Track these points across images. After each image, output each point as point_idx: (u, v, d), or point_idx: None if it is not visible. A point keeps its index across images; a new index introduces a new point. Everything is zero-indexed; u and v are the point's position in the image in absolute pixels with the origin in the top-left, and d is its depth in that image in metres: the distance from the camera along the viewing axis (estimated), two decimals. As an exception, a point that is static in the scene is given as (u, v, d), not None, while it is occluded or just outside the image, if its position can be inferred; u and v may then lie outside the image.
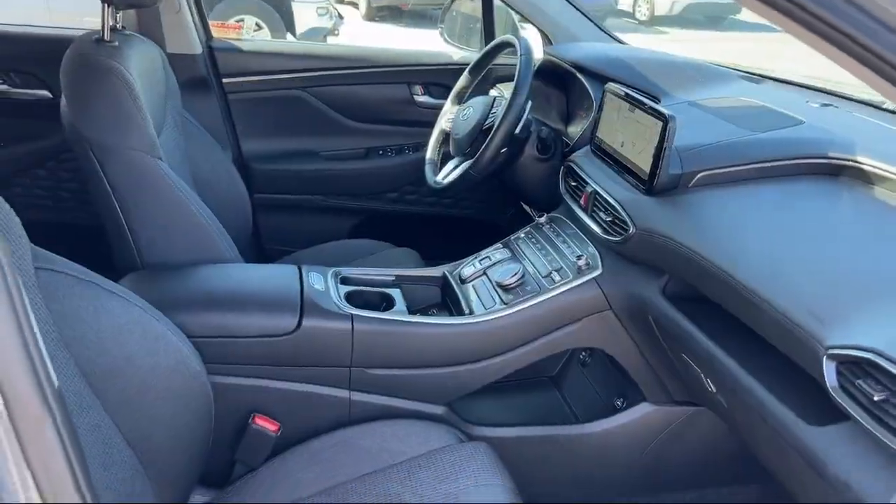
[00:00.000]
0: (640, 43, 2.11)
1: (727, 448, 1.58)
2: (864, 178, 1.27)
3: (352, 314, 1.45)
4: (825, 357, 0.93)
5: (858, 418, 0.88)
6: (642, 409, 1.55)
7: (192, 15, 2.18)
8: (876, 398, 0.86)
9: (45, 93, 2.24)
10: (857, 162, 1.28)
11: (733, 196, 1.32)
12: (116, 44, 1.56)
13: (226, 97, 2.28)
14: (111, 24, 1.57)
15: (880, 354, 0.86)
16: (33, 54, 2.24)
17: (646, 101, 1.43)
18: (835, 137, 1.36)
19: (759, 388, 1.10)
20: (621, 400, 1.60)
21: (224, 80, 2.27)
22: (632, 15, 13.00)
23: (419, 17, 11.19)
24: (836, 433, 0.97)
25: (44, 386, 0.58)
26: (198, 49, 2.20)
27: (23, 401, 0.57)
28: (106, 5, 1.55)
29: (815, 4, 0.65)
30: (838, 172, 1.31)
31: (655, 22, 12.58)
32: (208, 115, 2.17)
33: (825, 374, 0.93)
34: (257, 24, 7.16)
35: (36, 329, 0.59)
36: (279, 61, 2.35)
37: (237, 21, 6.95)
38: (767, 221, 1.23)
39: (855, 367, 0.90)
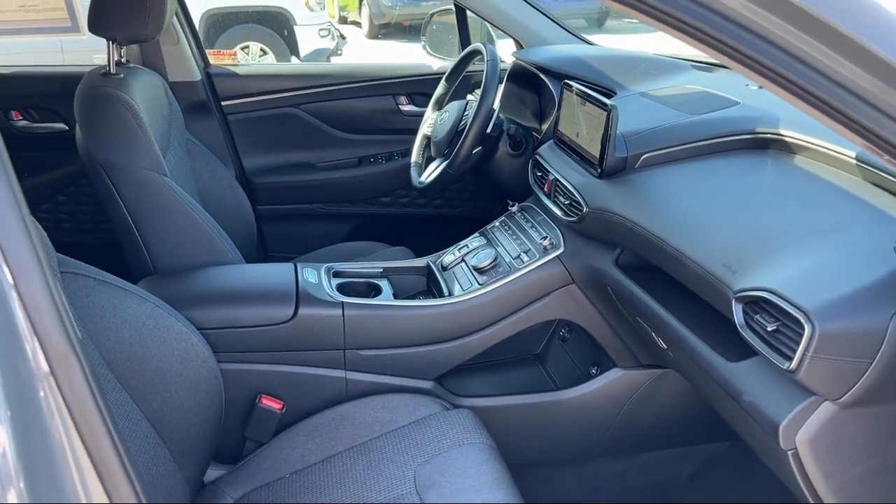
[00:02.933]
0: (642, 42, 2.23)
1: (694, 407, 1.72)
2: (789, 149, 1.42)
3: (342, 302, 1.62)
4: (734, 300, 1.08)
5: (758, 348, 1.03)
6: (613, 374, 1.70)
7: (189, 45, 2.38)
8: (769, 328, 1.01)
9: (62, 125, 2.45)
10: (781, 135, 1.43)
11: (672, 173, 1.47)
12: (122, 76, 1.74)
13: (225, 118, 2.47)
14: (115, 58, 1.76)
15: (773, 292, 1.02)
16: (49, 91, 2.45)
17: (593, 93, 1.59)
18: (763, 114, 1.50)
19: (691, 336, 1.25)
20: (596, 368, 1.75)
21: (223, 103, 2.46)
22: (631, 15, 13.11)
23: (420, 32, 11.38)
24: (747, 366, 1.13)
25: (77, 349, 0.74)
26: (197, 76, 2.39)
27: (67, 369, 0.72)
28: (110, 42, 1.75)
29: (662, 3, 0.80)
30: (767, 146, 1.46)
31: (655, 19, 12.66)
32: (210, 135, 2.36)
33: (734, 315, 1.08)
34: (262, 50, 7.39)
35: (74, 322, 0.75)
36: (272, 82, 2.54)
37: (242, 48, 7.18)
38: (697, 193, 1.39)
39: (755, 306, 1.05)
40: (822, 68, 0.80)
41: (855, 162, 1.24)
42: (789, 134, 1.41)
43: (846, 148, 1.26)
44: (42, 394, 0.69)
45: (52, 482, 0.69)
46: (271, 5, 7.50)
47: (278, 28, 7.57)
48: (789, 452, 1.04)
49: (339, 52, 8.23)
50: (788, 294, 0.99)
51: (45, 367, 0.69)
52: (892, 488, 1.05)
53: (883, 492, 1.06)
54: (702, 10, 0.82)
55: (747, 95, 1.66)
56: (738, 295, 1.08)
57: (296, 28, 7.74)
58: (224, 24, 7.20)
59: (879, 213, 1.12)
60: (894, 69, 0.79)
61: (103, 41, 1.75)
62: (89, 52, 3.33)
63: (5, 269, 0.68)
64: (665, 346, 1.44)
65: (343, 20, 12.50)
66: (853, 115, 0.83)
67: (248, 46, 7.29)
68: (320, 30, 7.97)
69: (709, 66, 2.06)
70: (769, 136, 1.45)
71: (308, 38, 7.75)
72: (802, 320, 0.95)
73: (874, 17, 0.80)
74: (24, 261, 0.69)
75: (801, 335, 0.96)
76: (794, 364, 0.97)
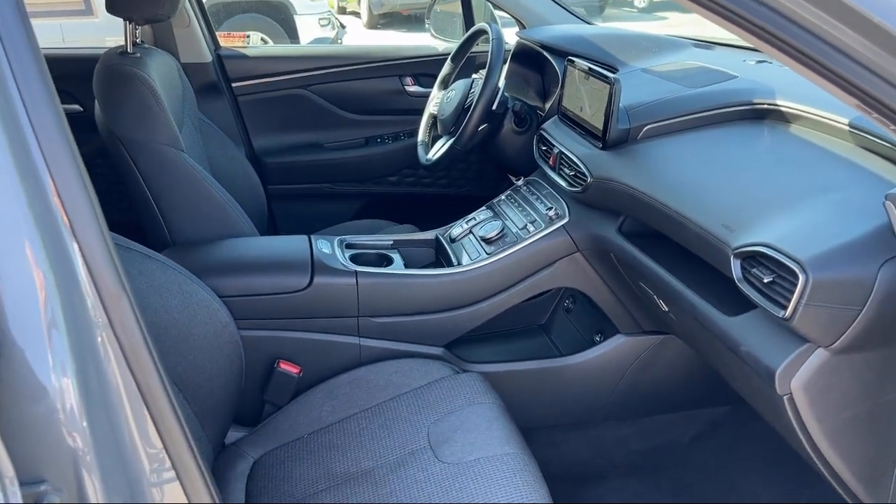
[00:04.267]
0: (641, 29, 2.28)
1: (694, 372, 1.79)
2: (785, 118, 1.48)
3: (356, 271, 1.68)
4: (732, 256, 1.15)
5: (756, 300, 1.10)
6: (616, 341, 1.77)
7: (200, 27, 2.44)
8: (766, 280, 1.07)
9: (77, 107, 2.50)
10: (777, 105, 1.49)
11: (673, 143, 1.53)
12: (139, 55, 1.80)
13: (236, 99, 2.53)
14: (132, 39, 1.82)
15: (769, 246, 1.08)
16: (65, 73, 2.50)
17: (596, 68, 1.64)
18: (760, 87, 1.56)
19: (692, 294, 1.32)
20: (599, 335, 1.82)
21: (233, 84, 2.52)
22: (631, 3, 13.16)
23: (421, 22, 11.42)
24: (745, 319, 1.19)
25: (128, 291, 0.80)
26: (208, 58, 2.45)
27: (120, 310, 0.78)
28: (127, 23, 1.80)
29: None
30: (764, 116, 1.52)
31: (654, 8, 12.73)
32: (221, 116, 2.42)
33: (733, 270, 1.14)
34: (262, 40, 7.43)
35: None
36: (281, 64, 2.60)
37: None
38: (697, 160, 1.45)
39: (752, 261, 1.12)
40: (826, 36, 0.86)
41: (848, 129, 1.30)
42: (785, 104, 1.47)
43: (840, 115, 1.32)
44: (99, 340, 0.75)
45: (108, 421, 0.76)
46: (271, -6, 7.54)
47: (279, 17, 7.61)
48: (785, 398, 1.11)
49: (340, 41, 8.27)
50: (783, 247, 1.05)
51: (102, 317, 0.75)
52: (880, 431, 1.11)
53: (872, 435, 1.12)
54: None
55: (745, 70, 1.72)
56: (736, 251, 1.14)
57: (296, 17, 7.78)
58: (225, 14, 7.24)
59: (870, 174, 1.18)
60: (889, 35, 0.85)
61: (103, 26, 1.81)
62: (91, 37, 3.38)
63: (64, 219, 0.74)
64: (666, 309, 1.50)
65: (342, 10, 12.52)
66: (851, 77, 0.89)
67: (248, 36, 7.33)
68: (320, 19, 8.00)
69: (708, 45, 2.12)
70: (766, 106, 1.51)
71: (308, 28, 7.79)
72: (797, 270, 1.02)
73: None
74: (80, 205, 0.75)
75: (795, 285, 1.02)
76: (789, 312, 1.03)
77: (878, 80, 0.88)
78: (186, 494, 0.84)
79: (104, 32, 2.79)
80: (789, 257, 1.03)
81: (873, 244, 1.02)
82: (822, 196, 1.16)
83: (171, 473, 0.84)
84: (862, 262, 1.01)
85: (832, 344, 1.05)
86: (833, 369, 1.08)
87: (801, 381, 1.09)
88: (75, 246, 0.74)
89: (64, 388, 0.71)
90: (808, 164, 1.29)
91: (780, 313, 1.04)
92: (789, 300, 1.03)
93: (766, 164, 1.35)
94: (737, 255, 1.14)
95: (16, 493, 0.65)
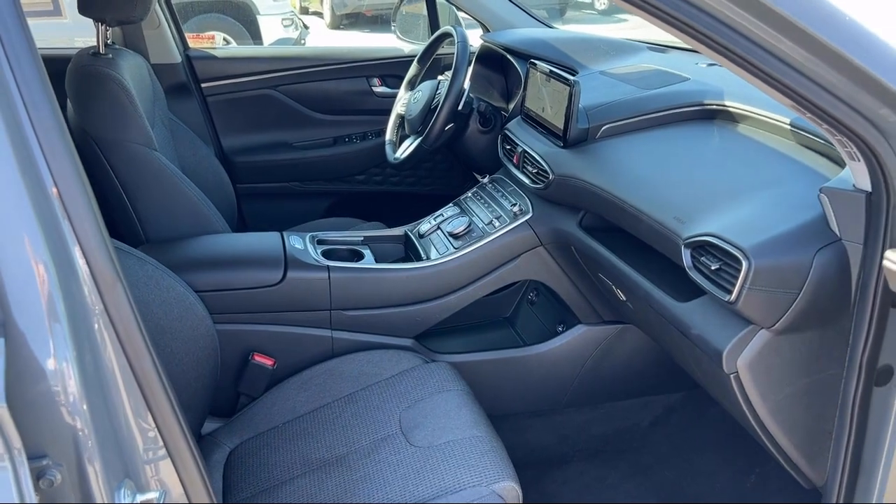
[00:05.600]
0: (600, 32, 2.37)
1: (651, 360, 1.88)
2: (733, 118, 1.58)
3: (328, 265, 1.74)
4: (682, 246, 1.24)
5: (704, 286, 1.19)
6: (578, 330, 1.86)
7: (170, 29, 2.46)
8: (713, 267, 1.16)
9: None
10: (726, 106, 1.59)
11: (630, 142, 1.62)
12: (111, 56, 1.83)
13: (205, 99, 2.57)
14: (104, 40, 1.85)
15: (716, 236, 1.17)
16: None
17: (557, 71, 1.73)
18: (711, 88, 1.66)
19: (647, 283, 1.41)
20: (562, 326, 1.90)
21: (203, 85, 2.55)
22: (591, 6, 13.35)
23: (384, 23, 11.44)
24: (695, 305, 1.29)
25: (121, 278, 0.85)
26: (177, 59, 2.48)
27: (114, 295, 0.83)
28: (100, 24, 1.83)
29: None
30: (713, 116, 1.62)
31: (614, 11, 12.93)
32: (191, 115, 2.45)
33: (684, 259, 1.23)
34: (225, 40, 7.39)
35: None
36: (250, 65, 2.64)
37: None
38: (653, 158, 1.54)
39: (701, 250, 1.21)
40: (766, 45, 0.95)
41: (789, 127, 1.40)
42: (733, 105, 1.57)
43: (782, 115, 1.42)
44: (96, 326, 0.80)
45: (105, 402, 0.81)
46: (234, -6, 7.50)
47: (241, 18, 7.59)
48: (731, 376, 1.20)
49: (303, 41, 8.27)
50: (729, 236, 1.14)
51: (98, 305, 0.81)
52: (817, 406, 1.21)
53: (810, 409, 1.22)
54: (688, 6, 0.96)
55: (696, 72, 1.82)
56: (686, 241, 1.23)
57: (259, 18, 7.75)
58: (186, 14, 7.19)
59: (808, 169, 1.28)
60: (821, 44, 0.95)
61: (71, 27, 1.84)
62: (59, 37, 3.36)
63: (62, 212, 0.79)
64: (624, 298, 1.59)
65: (304, 10, 12.47)
66: (787, 81, 0.98)
67: (211, 36, 7.30)
68: (283, 20, 7.99)
69: (663, 48, 2.22)
70: (715, 107, 1.60)
71: (271, 29, 7.78)
72: (740, 257, 1.11)
73: (819, 10, 0.96)
74: (77, 198, 0.80)
75: (739, 271, 1.11)
76: (733, 296, 1.12)
77: (810, 83, 0.98)
78: (177, 471, 0.90)
79: (73, 33, 2.79)
80: (734, 245, 1.12)
81: (810, 233, 1.12)
82: (764, 190, 1.26)
83: (163, 451, 0.89)
84: (799, 249, 1.11)
85: (773, 325, 1.15)
86: (774, 349, 1.17)
87: (745, 361, 1.18)
88: (73, 237, 0.79)
89: (63, 371, 0.76)
90: (753, 160, 1.39)
91: (726, 297, 1.13)
92: (734, 285, 1.12)
93: (714, 161, 1.45)
94: (687, 245, 1.23)
95: (23, 463, 0.70)
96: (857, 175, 1.06)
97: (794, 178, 1.26)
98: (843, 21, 0.98)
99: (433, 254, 1.84)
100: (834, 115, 1.00)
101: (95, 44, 1.84)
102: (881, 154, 1.00)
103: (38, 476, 0.75)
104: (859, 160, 1.03)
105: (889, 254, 0.88)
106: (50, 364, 0.76)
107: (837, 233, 1.09)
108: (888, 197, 1.01)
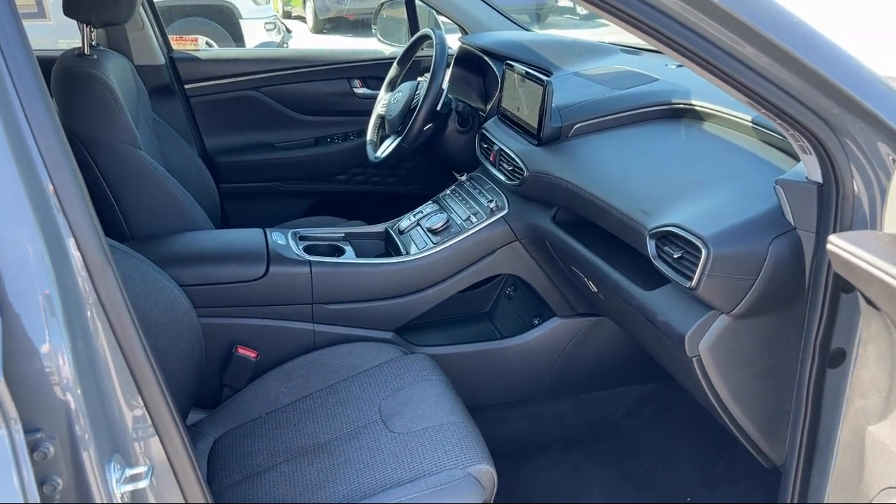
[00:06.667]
0: (582, 37, 2.44)
1: (624, 351, 1.95)
2: (699, 116, 1.65)
3: (310, 260, 1.79)
4: (648, 236, 1.30)
5: (668, 274, 1.25)
6: (553, 323, 1.91)
7: (153, 31, 2.50)
8: (675, 256, 1.23)
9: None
10: (692, 105, 1.66)
11: (601, 140, 1.69)
12: (96, 57, 1.87)
13: (188, 100, 2.60)
14: (89, 41, 1.89)
15: (678, 226, 1.23)
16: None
17: (532, 71, 1.79)
18: (678, 88, 1.73)
19: (615, 273, 1.47)
20: (538, 319, 1.96)
21: (186, 86, 2.59)
22: (573, 10, 13.47)
23: (366, 27, 11.47)
24: (660, 292, 1.35)
25: (111, 261, 0.90)
26: (161, 60, 2.52)
27: (105, 278, 0.87)
28: (85, 26, 1.87)
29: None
30: (681, 114, 1.69)
31: (595, 16, 13.04)
32: (175, 116, 2.49)
33: (649, 249, 1.30)
34: (208, 44, 7.41)
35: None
36: (233, 66, 2.68)
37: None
38: (622, 154, 1.60)
39: (665, 240, 1.27)
40: (729, 49, 1.02)
41: (751, 125, 1.47)
42: (699, 104, 1.64)
43: (744, 113, 1.49)
44: (88, 313, 0.85)
45: (96, 382, 0.85)
46: (217, -1, 7.51)
47: (224, 21, 7.60)
48: (694, 359, 1.26)
49: (286, 45, 8.30)
50: (690, 226, 1.20)
51: (91, 293, 0.85)
52: (776, 388, 1.27)
53: (769, 391, 1.28)
54: (640, 4, 1.03)
55: (666, 73, 1.89)
56: (651, 232, 1.29)
57: (241, 22, 7.77)
58: (169, 18, 7.20)
59: (767, 163, 1.35)
60: (779, 49, 1.01)
61: (55, 29, 1.87)
62: (43, 39, 3.37)
63: (50, 185, 0.83)
64: (596, 290, 1.65)
65: (287, 14, 12.49)
66: (742, 79, 1.04)
67: (194, 39, 7.31)
68: (266, 24, 8.00)
69: (635, 50, 2.29)
70: (682, 106, 1.67)
71: (254, 32, 7.79)
72: (700, 246, 1.17)
73: (769, 11, 1.02)
74: (71, 190, 0.84)
75: (699, 258, 1.17)
76: (694, 282, 1.18)
77: (765, 81, 1.04)
78: (164, 447, 0.94)
79: (57, 34, 2.82)
80: (694, 234, 1.19)
81: (766, 223, 1.18)
82: (725, 183, 1.32)
83: (152, 429, 0.94)
84: (756, 238, 1.17)
85: (733, 310, 1.21)
86: (734, 333, 1.24)
87: (707, 344, 1.24)
88: (68, 229, 0.83)
89: (57, 352, 0.81)
90: (716, 156, 1.46)
91: (688, 284, 1.19)
92: (694, 272, 1.18)
93: (680, 157, 1.52)
94: (652, 236, 1.29)
95: (19, 431, 0.75)
96: (809, 168, 1.12)
97: (753, 172, 1.32)
98: (793, 23, 1.05)
99: (413, 249, 1.90)
100: (787, 112, 1.06)
101: (80, 45, 1.88)
102: (830, 148, 1.06)
103: (32, 448, 0.79)
104: (811, 154, 1.09)
105: (832, 238, 0.94)
106: (44, 344, 0.80)
107: (792, 222, 1.16)
108: (837, 187, 1.07)
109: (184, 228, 1.87)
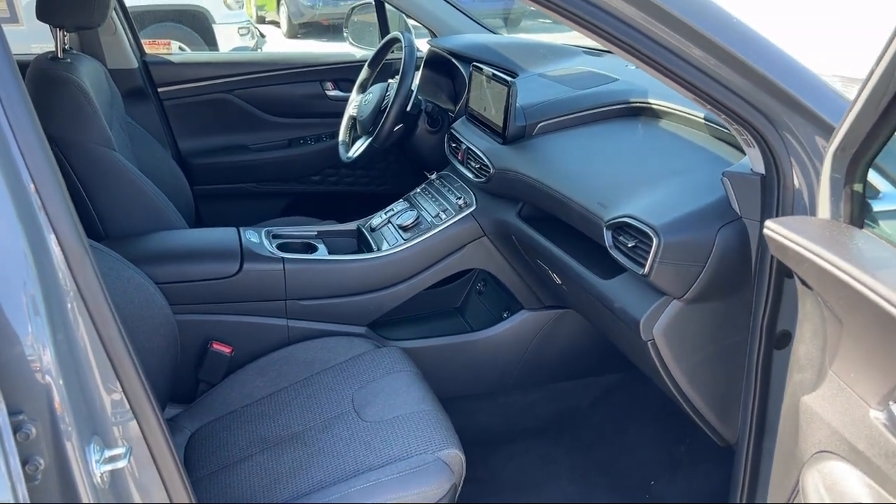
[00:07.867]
0: (555, 40, 2.50)
1: (590, 343, 2.01)
2: (656, 114, 1.72)
3: (283, 257, 1.83)
4: (604, 228, 1.36)
5: (623, 262, 1.32)
6: (521, 316, 1.98)
7: (126, 35, 2.53)
8: (629, 245, 1.29)
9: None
10: (649, 103, 1.73)
11: (563, 137, 1.75)
12: (69, 61, 1.90)
13: (162, 103, 2.64)
14: (62, 45, 1.92)
15: (631, 217, 1.30)
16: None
17: (497, 73, 1.85)
18: (636, 88, 1.80)
19: (575, 264, 1.54)
20: (507, 312, 2.02)
21: (159, 89, 2.63)
22: (545, 15, 13.57)
23: (340, 31, 11.47)
24: (616, 281, 1.42)
25: (87, 250, 0.94)
26: (134, 64, 2.55)
27: (82, 266, 0.92)
28: (58, 30, 1.90)
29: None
30: (639, 113, 1.76)
31: (566, 20, 13.15)
32: (148, 119, 2.52)
33: (605, 239, 1.36)
34: (181, 48, 7.39)
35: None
36: (206, 70, 2.71)
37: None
38: (582, 151, 1.67)
39: (620, 230, 1.34)
40: (678, 51, 1.09)
41: (703, 121, 1.54)
42: (655, 102, 1.71)
43: (697, 111, 1.56)
44: (69, 305, 0.89)
45: (76, 366, 0.90)
46: (189, 4, 7.48)
47: (197, 26, 7.59)
48: (649, 343, 1.33)
49: (259, 50, 8.30)
50: (643, 216, 1.27)
51: (72, 286, 0.90)
52: (727, 370, 1.34)
53: (720, 373, 1.35)
54: (594, 9, 1.09)
55: (625, 73, 1.96)
56: (607, 223, 1.36)
57: (215, 27, 7.76)
58: (142, 22, 7.17)
59: (717, 157, 1.42)
60: (723, 50, 1.08)
61: (27, 33, 1.90)
62: (15, 44, 3.36)
63: (31, 184, 0.88)
64: (559, 282, 1.71)
65: (261, 20, 12.47)
66: (687, 77, 1.11)
67: (167, 43, 7.29)
68: (240, 29, 7.99)
69: (598, 52, 2.37)
70: (640, 104, 1.74)
71: (227, 38, 7.79)
72: (652, 234, 1.24)
73: (715, 16, 1.10)
74: (46, 176, 0.89)
75: (651, 246, 1.24)
76: (647, 269, 1.25)
77: (708, 79, 1.11)
78: (142, 430, 0.99)
79: (29, 39, 2.84)
80: (646, 224, 1.25)
81: (714, 212, 1.26)
82: (678, 177, 1.40)
83: (129, 413, 0.98)
84: (704, 226, 1.24)
85: (683, 295, 1.28)
86: (686, 317, 1.31)
87: (660, 329, 1.31)
88: (49, 226, 0.88)
89: (38, 338, 0.85)
90: (670, 151, 1.53)
91: (641, 271, 1.26)
92: (647, 259, 1.25)
93: (636, 153, 1.59)
94: (608, 227, 1.36)
95: (2, 412, 0.79)
96: (753, 160, 1.19)
97: (704, 165, 1.40)
98: (733, 22, 1.12)
99: (384, 246, 1.95)
100: (730, 108, 1.14)
101: (53, 49, 1.91)
102: (770, 141, 1.13)
103: (15, 429, 0.83)
104: (754, 147, 1.17)
105: (768, 223, 1.01)
106: (27, 332, 0.84)
107: (738, 211, 1.23)
108: (778, 178, 1.15)
109: (158, 228, 1.91)
